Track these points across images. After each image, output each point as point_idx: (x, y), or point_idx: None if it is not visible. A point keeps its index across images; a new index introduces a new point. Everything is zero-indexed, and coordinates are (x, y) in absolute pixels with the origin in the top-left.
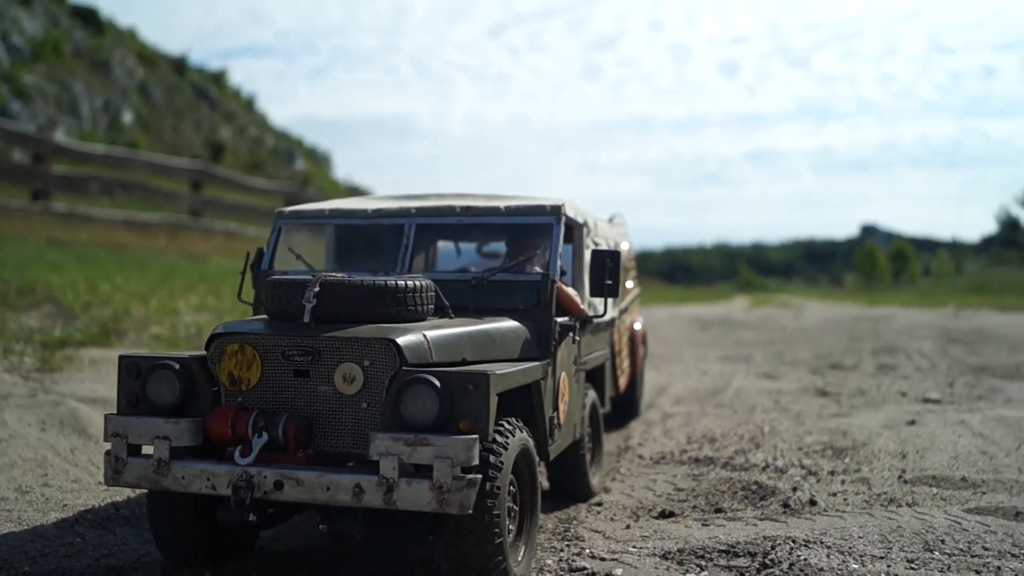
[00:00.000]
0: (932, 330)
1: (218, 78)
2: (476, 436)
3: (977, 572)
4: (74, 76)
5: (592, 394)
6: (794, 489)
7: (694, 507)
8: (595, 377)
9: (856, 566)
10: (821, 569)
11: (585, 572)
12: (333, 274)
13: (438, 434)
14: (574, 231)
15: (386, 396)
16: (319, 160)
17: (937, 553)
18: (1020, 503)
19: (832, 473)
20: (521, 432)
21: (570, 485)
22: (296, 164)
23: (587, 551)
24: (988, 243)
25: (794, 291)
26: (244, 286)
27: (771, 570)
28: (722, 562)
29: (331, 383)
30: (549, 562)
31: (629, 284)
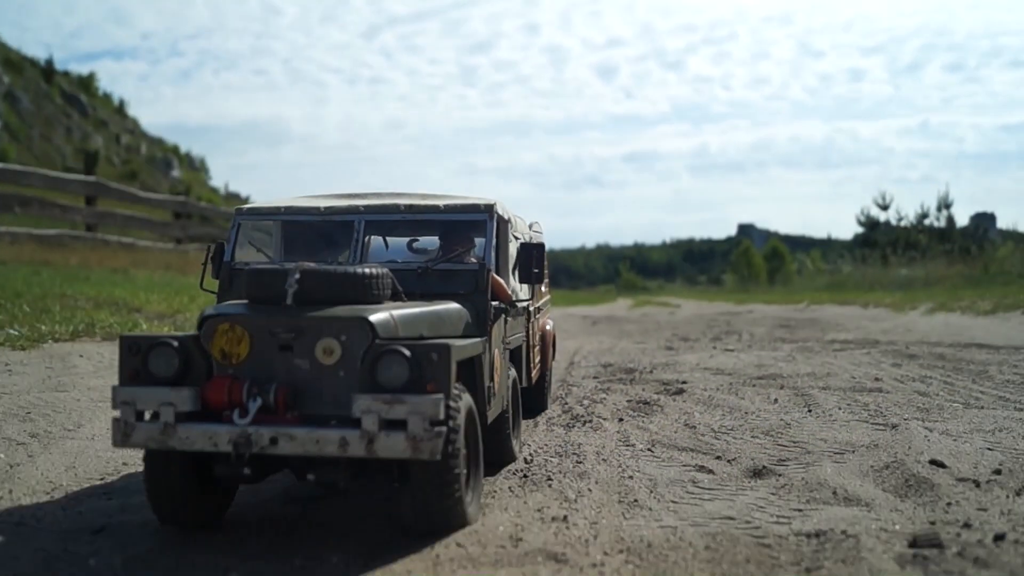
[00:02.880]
0: (774, 320)
1: (87, 83)
2: (442, 395)
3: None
4: None
5: (513, 371)
6: (651, 371)
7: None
8: (515, 357)
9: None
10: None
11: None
12: (308, 264)
13: (410, 394)
14: (499, 226)
15: (361, 365)
16: (196, 167)
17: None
18: (735, 380)
19: (661, 366)
20: (466, 395)
21: (495, 450)
22: (173, 172)
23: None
24: (855, 242)
25: (674, 292)
26: (205, 276)
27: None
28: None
29: (312, 355)
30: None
31: (543, 288)
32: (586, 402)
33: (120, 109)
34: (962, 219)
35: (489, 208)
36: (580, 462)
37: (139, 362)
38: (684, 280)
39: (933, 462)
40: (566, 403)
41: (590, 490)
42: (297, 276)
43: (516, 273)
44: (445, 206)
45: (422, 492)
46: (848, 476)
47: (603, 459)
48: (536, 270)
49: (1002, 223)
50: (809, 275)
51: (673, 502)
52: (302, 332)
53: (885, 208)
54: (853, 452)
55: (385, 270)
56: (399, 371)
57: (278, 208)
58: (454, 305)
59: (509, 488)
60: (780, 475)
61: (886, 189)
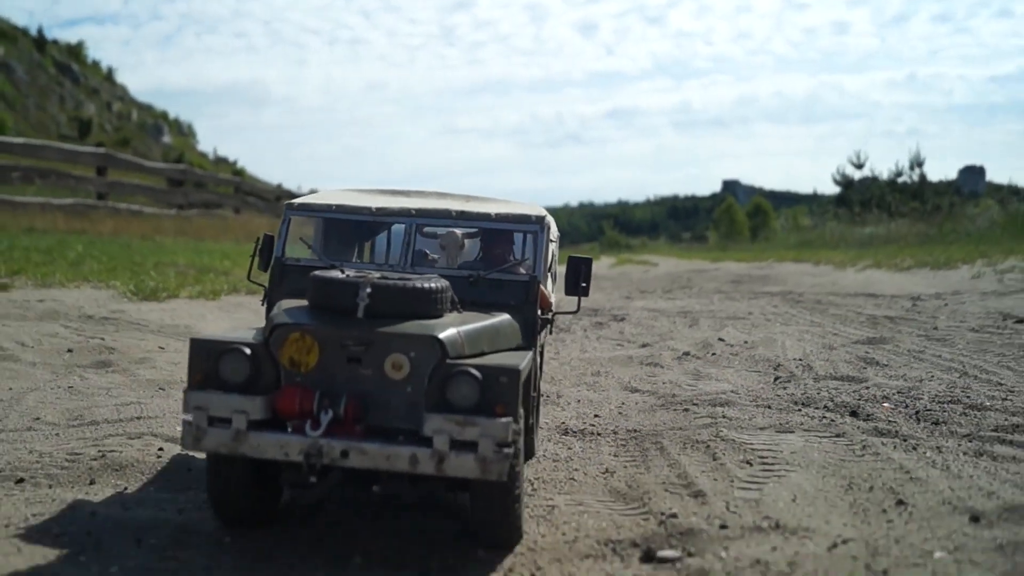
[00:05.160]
0: (731, 276)
1: (76, 51)
2: (511, 418)
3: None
4: None
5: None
6: (608, 310)
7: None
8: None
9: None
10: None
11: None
12: (375, 274)
13: (479, 415)
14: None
15: (429, 383)
16: (184, 132)
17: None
18: (660, 314)
19: (616, 308)
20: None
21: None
22: (164, 138)
23: None
24: (838, 199)
25: (657, 250)
26: (252, 268)
27: (620, 317)
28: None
29: (380, 369)
30: None
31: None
32: (564, 324)
33: (109, 76)
34: (950, 173)
35: (540, 220)
36: (558, 353)
37: (210, 366)
38: (668, 238)
39: (720, 340)
40: (554, 327)
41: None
42: (369, 290)
43: (551, 277)
44: (496, 214)
45: (485, 511)
46: (682, 344)
47: (573, 344)
48: (584, 284)
49: (994, 176)
50: (783, 233)
51: (608, 352)
52: (372, 346)
53: (860, 167)
54: (695, 340)
55: (447, 283)
56: (469, 392)
57: (330, 205)
58: (507, 318)
59: None
60: (652, 346)
61: (862, 147)
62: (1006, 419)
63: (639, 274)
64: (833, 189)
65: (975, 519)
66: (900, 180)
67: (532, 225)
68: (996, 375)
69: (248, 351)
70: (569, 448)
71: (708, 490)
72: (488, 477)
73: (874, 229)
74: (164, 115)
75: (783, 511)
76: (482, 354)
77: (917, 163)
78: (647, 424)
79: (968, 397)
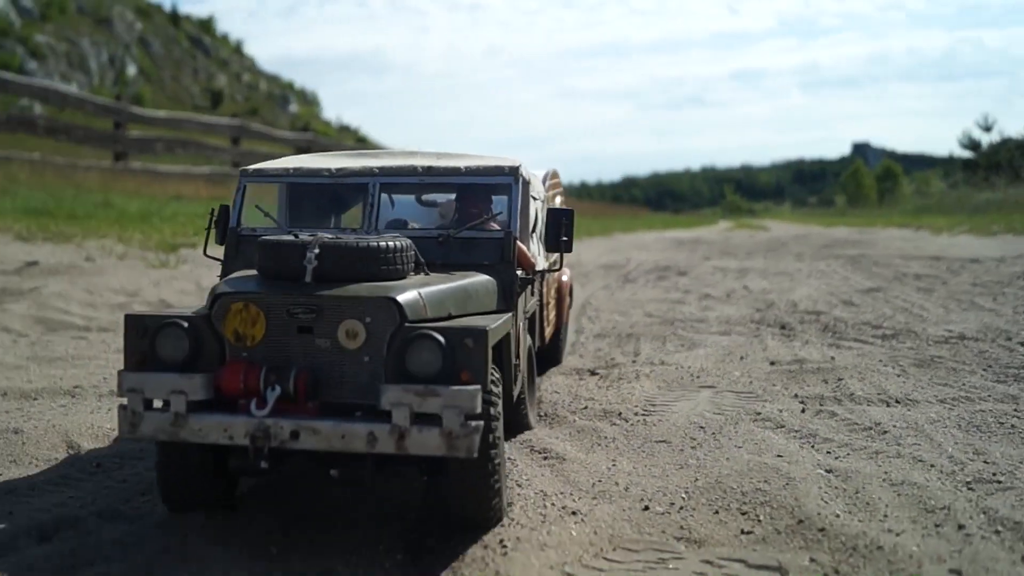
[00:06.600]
0: (827, 241)
1: (207, 25)
2: (479, 387)
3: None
4: (80, 33)
5: (528, 338)
6: (677, 268)
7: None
8: (530, 324)
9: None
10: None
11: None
12: (325, 234)
13: (443, 385)
14: (523, 189)
15: (388, 350)
16: (309, 102)
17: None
18: (720, 270)
19: (686, 266)
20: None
21: (511, 422)
22: (291, 107)
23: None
24: (965, 163)
25: (780, 215)
26: (208, 241)
27: (681, 272)
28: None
29: (334, 338)
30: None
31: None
32: (633, 276)
33: (238, 48)
34: None
35: (514, 171)
36: (613, 294)
37: (146, 344)
38: (794, 202)
39: (745, 287)
40: (630, 275)
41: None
42: (316, 251)
43: (535, 237)
44: (466, 168)
45: (459, 488)
46: (716, 290)
47: (630, 288)
48: (565, 238)
49: None
50: (912, 198)
51: (653, 295)
52: (322, 312)
53: (988, 129)
54: (727, 287)
55: (408, 241)
56: (431, 358)
57: (286, 169)
58: (481, 278)
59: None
60: (691, 292)
61: (990, 109)
62: (870, 328)
63: (742, 239)
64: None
65: (772, 363)
66: None
67: (505, 177)
68: (925, 309)
69: (186, 325)
70: (585, 340)
71: (644, 352)
72: (455, 454)
73: (991, 194)
74: (290, 85)
75: (674, 356)
76: (449, 318)
77: None
78: (640, 330)
79: (880, 322)
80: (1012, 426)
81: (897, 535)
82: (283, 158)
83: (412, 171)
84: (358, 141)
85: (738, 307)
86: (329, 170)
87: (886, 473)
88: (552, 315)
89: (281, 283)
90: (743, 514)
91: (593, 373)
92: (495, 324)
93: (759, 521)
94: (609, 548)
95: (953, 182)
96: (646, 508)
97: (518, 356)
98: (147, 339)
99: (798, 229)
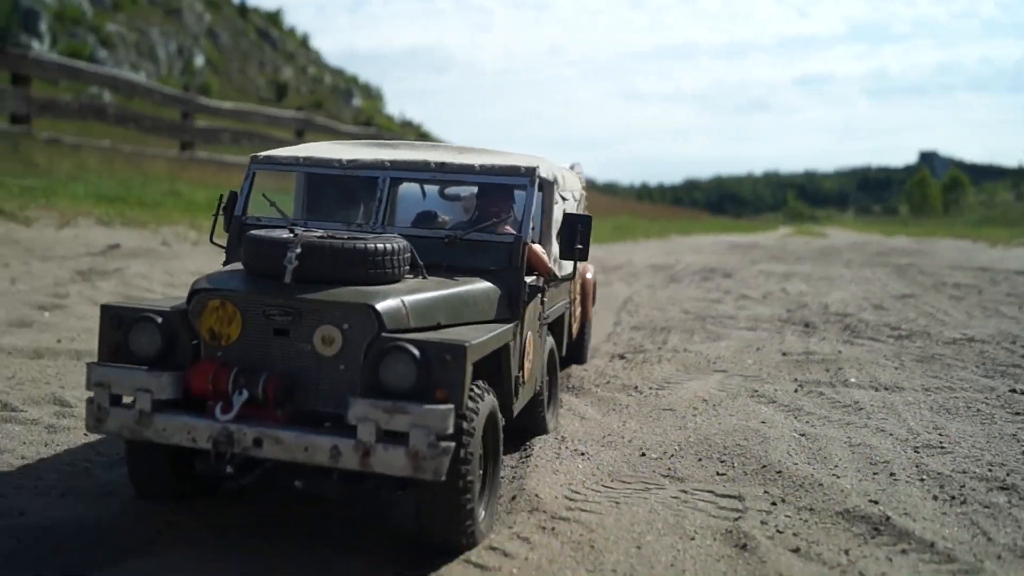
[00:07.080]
0: (882, 249)
1: (275, 18)
2: (452, 406)
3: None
4: (150, 23)
5: (550, 340)
6: (724, 269)
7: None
8: (555, 327)
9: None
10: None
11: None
12: (313, 232)
13: (415, 402)
14: (544, 188)
15: (364, 361)
16: (372, 96)
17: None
18: (765, 273)
19: (734, 269)
20: (489, 395)
21: (528, 424)
22: (354, 101)
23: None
24: None
25: (843, 222)
26: (215, 228)
27: (726, 274)
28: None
29: (310, 343)
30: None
31: None
32: (679, 276)
33: (304, 42)
34: None
35: (530, 171)
36: (656, 293)
37: (120, 337)
38: (858, 210)
39: (783, 290)
40: (676, 275)
41: (664, 292)
42: (298, 251)
43: (558, 243)
44: (480, 166)
45: (428, 510)
46: (755, 292)
47: (672, 288)
48: (580, 246)
49: None
50: (971, 208)
51: (695, 294)
52: (300, 316)
53: None
54: (767, 290)
55: (404, 243)
56: (405, 372)
57: (297, 158)
58: (482, 284)
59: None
60: (731, 292)
61: None
62: (888, 328)
63: (797, 245)
64: None
65: (784, 354)
66: None
67: (520, 178)
68: (948, 315)
69: (160, 320)
70: (621, 331)
71: (671, 342)
72: (421, 476)
73: None
74: (354, 79)
75: (698, 346)
76: (439, 327)
77: None
78: (673, 324)
79: (900, 324)
80: (978, 410)
81: (838, 478)
82: (298, 145)
83: (425, 166)
84: (420, 136)
85: (771, 307)
86: (340, 161)
87: (849, 437)
88: (578, 312)
89: (260, 282)
90: (721, 461)
91: (621, 357)
92: (482, 338)
93: (732, 467)
94: (607, 480)
95: (1020, 193)
96: (643, 455)
97: (522, 368)
98: (121, 331)
99: (857, 237)
